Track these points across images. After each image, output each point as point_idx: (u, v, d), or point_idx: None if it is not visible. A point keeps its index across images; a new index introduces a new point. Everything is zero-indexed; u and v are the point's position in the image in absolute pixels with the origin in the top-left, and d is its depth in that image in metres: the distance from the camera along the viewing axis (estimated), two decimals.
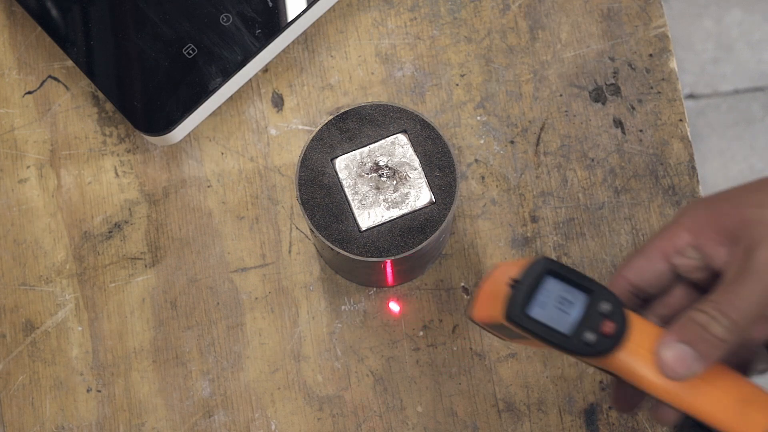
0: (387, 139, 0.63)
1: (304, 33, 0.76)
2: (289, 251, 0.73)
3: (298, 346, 0.72)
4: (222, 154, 0.74)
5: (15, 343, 0.72)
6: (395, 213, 0.62)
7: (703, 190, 0.75)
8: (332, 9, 0.77)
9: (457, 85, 0.76)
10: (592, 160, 0.75)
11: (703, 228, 0.48)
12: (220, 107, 0.75)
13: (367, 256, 0.61)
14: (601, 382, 0.71)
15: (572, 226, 0.73)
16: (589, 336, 0.48)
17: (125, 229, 0.73)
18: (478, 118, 0.75)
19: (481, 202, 0.74)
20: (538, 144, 0.75)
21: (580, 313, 0.48)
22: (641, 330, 0.49)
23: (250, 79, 0.75)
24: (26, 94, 0.76)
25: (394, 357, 0.72)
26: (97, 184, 0.74)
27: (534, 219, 0.73)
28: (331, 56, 0.76)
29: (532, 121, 0.75)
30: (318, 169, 0.62)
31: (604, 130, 0.75)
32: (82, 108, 0.75)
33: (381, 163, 0.62)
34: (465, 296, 0.72)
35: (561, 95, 0.76)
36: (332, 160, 0.63)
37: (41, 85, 0.76)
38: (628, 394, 0.52)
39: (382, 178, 0.62)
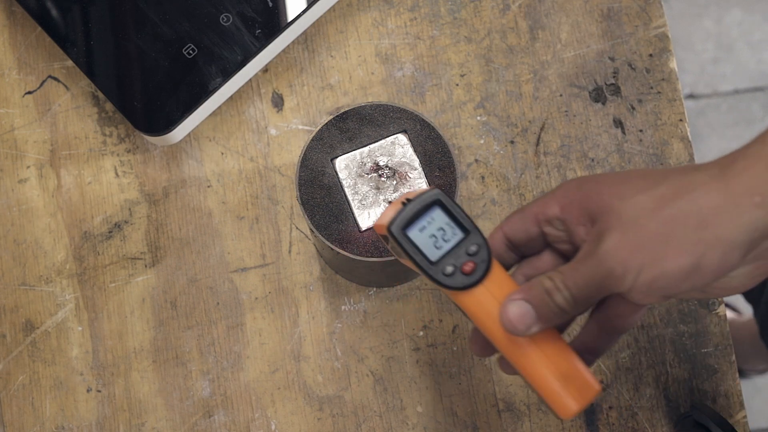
0: (387, 139, 0.63)
1: (304, 33, 0.76)
2: (289, 251, 0.73)
3: (298, 346, 0.72)
4: (222, 154, 0.74)
5: (15, 343, 0.72)
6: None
7: None
8: (332, 9, 0.77)
9: (457, 85, 0.76)
10: (592, 160, 0.75)
11: (572, 204, 0.51)
12: (220, 107, 0.75)
13: (367, 256, 0.61)
14: (601, 382, 0.71)
15: None
16: (450, 269, 0.52)
17: (125, 229, 0.73)
18: (478, 118, 0.75)
19: (481, 202, 0.74)
20: (538, 144, 0.75)
21: (450, 246, 0.52)
22: (498, 281, 0.52)
23: (250, 79, 0.75)
24: (26, 94, 0.76)
25: (394, 357, 0.72)
26: (97, 184, 0.74)
27: None
28: (331, 56, 0.76)
29: (532, 121, 0.75)
30: (318, 169, 0.62)
31: (604, 130, 0.75)
32: (82, 108, 0.75)
33: (381, 163, 0.62)
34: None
35: (561, 95, 0.76)
36: (332, 160, 0.63)
37: (41, 85, 0.76)
38: (483, 340, 0.55)
39: (382, 178, 0.62)
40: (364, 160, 0.63)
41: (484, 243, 0.53)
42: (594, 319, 0.54)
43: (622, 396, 0.71)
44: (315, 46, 0.76)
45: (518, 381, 0.71)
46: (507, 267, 0.55)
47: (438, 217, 0.53)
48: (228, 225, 0.73)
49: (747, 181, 0.46)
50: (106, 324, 0.72)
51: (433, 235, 0.53)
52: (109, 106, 0.75)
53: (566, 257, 0.54)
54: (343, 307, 0.72)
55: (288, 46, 0.75)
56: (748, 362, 1.55)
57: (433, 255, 0.53)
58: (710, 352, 0.72)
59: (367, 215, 0.62)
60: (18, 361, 0.72)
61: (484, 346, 0.55)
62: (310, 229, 0.63)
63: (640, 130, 0.75)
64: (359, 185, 0.62)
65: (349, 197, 0.62)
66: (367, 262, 0.62)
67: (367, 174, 0.62)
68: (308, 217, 0.62)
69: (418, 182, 0.62)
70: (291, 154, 0.74)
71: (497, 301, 0.52)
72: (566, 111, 0.75)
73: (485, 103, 0.76)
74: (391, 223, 0.53)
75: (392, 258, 0.61)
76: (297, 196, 0.62)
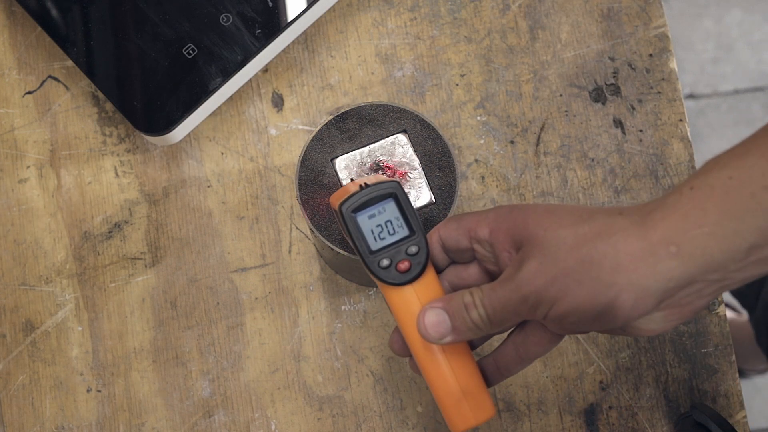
0: (387, 139, 0.63)
1: (304, 33, 0.76)
2: (289, 251, 0.73)
3: (298, 346, 0.72)
4: (222, 154, 0.74)
5: (15, 343, 0.72)
6: None
7: None
8: (332, 9, 0.77)
9: (457, 85, 0.76)
10: (592, 160, 0.75)
11: (500, 230, 0.53)
12: (220, 107, 0.75)
13: None
14: (601, 382, 0.71)
15: None
16: (386, 262, 0.54)
17: (125, 229, 0.73)
18: (478, 118, 0.75)
19: (481, 202, 0.74)
20: (538, 144, 0.75)
21: (393, 240, 0.54)
22: (427, 285, 0.54)
23: (250, 79, 0.75)
24: (26, 94, 0.76)
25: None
26: (97, 184, 0.74)
27: None
28: (331, 56, 0.76)
29: (532, 121, 0.75)
30: (318, 169, 0.62)
31: (604, 130, 0.75)
32: (82, 108, 0.75)
33: (381, 163, 0.62)
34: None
35: (561, 95, 0.76)
36: (332, 160, 0.63)
37: (41, 85, 0.76)
38: (402, 339, 0.57)
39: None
40: (364, 160, 0.63)
41: (425, 247, 0.54)
42: (511, 341, 0.55)
43: (622, 396, 0.71)
44: (315, 46, 0.76)
45: (518, 381, 0.71)
46: (439, 267, 0.57)
47: (390, 209, 0.55)
48: (228, 225, 0.73)
49: (664, 230, 0.47)
50: (106, 324, 0.72)
51: (380, 225, 0.54)
52: (109, 106, 0.75)
53: (491, 275, 0.55)
54: (343, 307, 0.72)
55: (288, 46, 0.75)
56: (747, 362, 1.55)
57: (374, 244, 0.54)
58: (710, 352, 0.72)
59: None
60: (18, 361, 0.72)
61: (403, 345, 0.57)
62: (310, 229, 0.63)
63: (640, 130, 0.75)
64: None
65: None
66: None
67: (367, 174, 0.62)
68: (308, 217, 0.62)
69: (418, 182, 0.62)
70: (291, 154, 0.74)
71: (421, 304, 0.54)
72: (566, 111, 0.75)
73: (485, 103, 0.76)
74: (343, 202, 0.54)
75: None
76: (297, 196, 0.62)
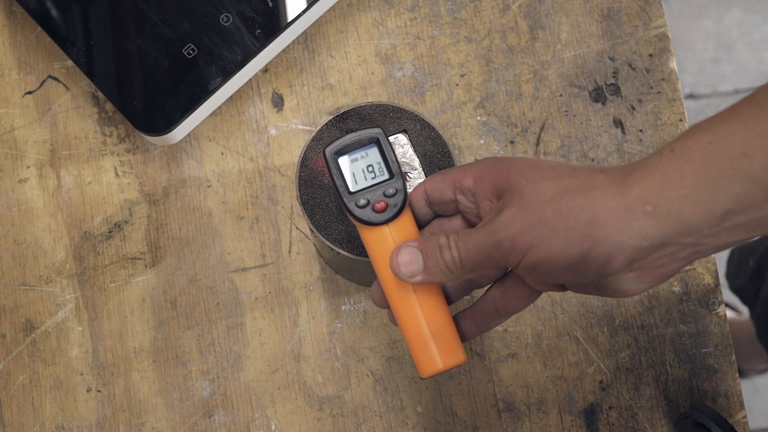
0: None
1: (304, 33, 0.76)
2: (289, 251, 0.73)
3: (298, 346, 0.72)
4: (222, 154, 0.74)
5: (15, 343, 0.72)
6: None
7: None
8: (332, 9, 0.77)
9: (457, 85, 0.76)
10: (592, 160, 0.75)
11: (484, 179, 0.53)
12: (220, 107, 0.75)
13: (366, 256, 0.61)
14: (601, 382, 0.71)
15: None
16: (363, 201, 0.56)
17: (125, 229, 0.73)
18: (478, 118, 0.75)
19: None
20: (538, 144, 0.75)
21: (372, 183, 0.56)
22: (403, 227, 0.56)
23: (250, 79, 0.75)
24: (26, 94, 0.76)
25: (394, 357, 0.72)
26: (97, 184, 0.74)
27: None
28: (331, 56, 0.76)
29: (532, 121, 0.75)
30: (318, 169, 0.62)
31: (604, 130, 0.75)
32: (82, 108, 0.75)
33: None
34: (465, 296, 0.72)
35: (561, 95, 0.76)
36: (324, 148, 0.62)
37: (41, 85, 0.76)
38: (382, 290, 0.57)
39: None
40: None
41: (403, 189, 0.56)
42: (490, 294, 0.56)
43: (622, 396, 0.71)
44: (315, 46, 0.76)
45: (518, 381, 0.71)
46: (422, 221, 0.58)
47: (372, 154, 0.56)
48: (228, 225, 0.73)
49: (641, 190, 0.47)
50: (106, 324, 0.72)
51: (362, 169, 0.56)
52: (109, 106, 0.75)
53: (473, 227, 0.56)
54: (343, 307, 0.72)
55: (288, 46, 0.75)
56: (747, 362, 1.55)
57: (354, 186, 0.56)
58: (710, 352, 0.72)
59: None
60: (18, 361, 0.72)
61: (383, 296, 0.57)
62: (310, 229, 0.63)
63: (640, 130, 0.75)
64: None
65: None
66: (367, 262, 0.62)
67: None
68: (308, 217, 0.62)
69: (418, 182, 0.62)
70: (291, 154, 0.74)
71: (395, 244, 0.55)
72: (566, 111, 0.75)
73: (485, 103, 0.76)
74: (326, 146, 0.56)
75: None
76: (297, 196, 0.62)
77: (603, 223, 0.48)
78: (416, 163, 0.62)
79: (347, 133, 0.57)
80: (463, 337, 0.57)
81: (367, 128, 0.57)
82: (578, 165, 0.51)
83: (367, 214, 0.55)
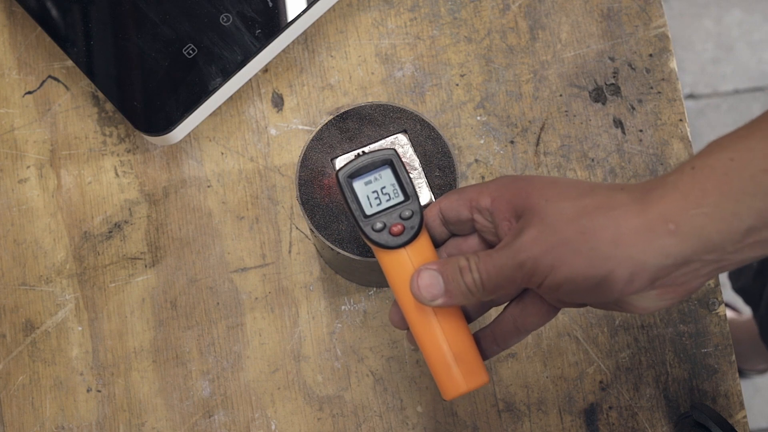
0: (387, 139, 0.63)
1: (304, 33, 0.76)
2: (289, 251, 0.73)
3: (298, 346, 0.72)
4: (222, 154, 0.74)
5: (15, 343, 0.72)
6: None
7: None
8: (332, 9, 0.77)
9: (457, 85, 0.76)
10: (592, 160, 0.75)
11: (501, 199, 0.53)
12: (220, 107, 0.75)
13: (366, 256, 0.61)
14: (601, 382, 0.71)
15: None
16: (379, 225, 0.55)
17: (125, 229, 0.73)
18: (478, 118, 0.75)
19: None
20: (538, 144, 0.75)
21: (388, 206, 0.55)
22: (421, 250, 0.55)
23: (250, 79, 0.75)
24: (26, 94, 0.76)
25: (394, 357, 0.72)
26: (97, 184, 0.74)
27: None
28: (331, 56, 0.76)
29: (532, 121, 0.75)
30: (318, 169, 0.62)
31: (604, 130, 0.75)
32: (82, 108, 0.75)
33: None
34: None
35: (561, 95, 0.76)
36: (332, 160, 0.62)
37: (41, 85, 0.76)
38: (401, 313, 0.57)
39: None
40: None
41: (419, 212, 0.55)
42: (509, 312, 0.56)
43: (622, 396, 0.71)
44: (315, 46, 0.76)
45: (518, 381, 0.71)
46: (438, 241, 0.57)
47: (386, 176, 0.56)
48: (228, 225, 0.73)
49: (663, 208, 0.47)
50: (106, 324, 0.72)
51: (376, 191, 0.56)
52: (109, 106, 0.75)
53: (490, 246, 0.56)
54: (343, 307, 0.72)
55: (288, 46, 0.75)
56: (748, 362, 1.55)
57: (369, 209, 0.55)
58: (710, 352, 0.72)
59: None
60: (18, 361, 0.72)
61: (401, 318, 0.57)
62: (310, 229, 0.63)
63: (640, 130, 0.75)
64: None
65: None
66: (367, 262, 0.62)
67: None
68: (308, 217, 0.62)
69: (418, 182, 0.62)
70: (291, 154, 0.74)
71: (414, 267, 0.55)
72: (566, 111, 0.75)
73: (485, 103, 0.76)
74: (339, 170, 0.55)
75: None
76: (297, 196, 0.62)
77: (625, 243, 0.48)
78: (416, 163, 0.62)
79: (358, 154, 0.56)
80: (484, 356, 0.56)
81: (378, 151, 0.56)
82: (597, 183, 0.51)
83: (384, 237, 0.55)
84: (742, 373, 1.57)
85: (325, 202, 0.62)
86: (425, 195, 0.62)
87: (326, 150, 0.63)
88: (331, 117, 0.63)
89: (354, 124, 0.63)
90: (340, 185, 0.55)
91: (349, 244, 0.61)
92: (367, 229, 0.55)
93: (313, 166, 0.62)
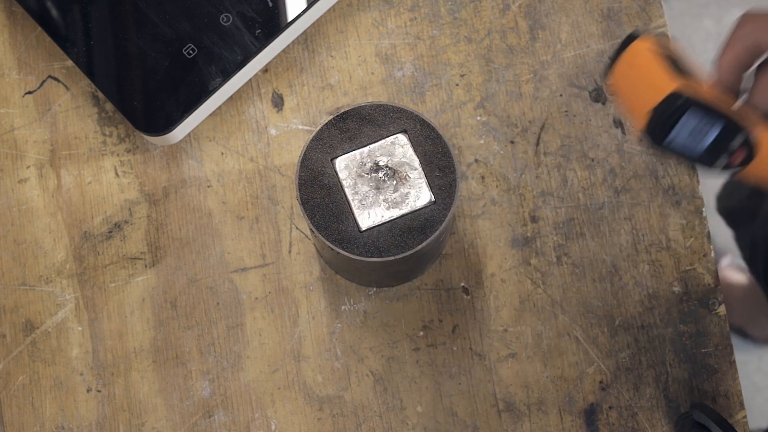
0: (387, 139, 0.63)
1: (304, 33, 0.76)
2: (289, 251, 0.73)
3: (298, 346, 0.72)
4: (222, 154, 0.74)
5: (15, 343, 0.72)
6: (395, 213, 0.62)
7: (703, 190, 0.75)
8: (332, 9, 0.77)
9: (457, 85, 0.76)
10: (592, 160, 0.75)
11: None
12: (220, 107, 0.75)
13: (367, 256, 0.61)
14: (601, 382, 0.71)
15: (572, 226, 0.73)
16: (721, 161, 0.54)
17: (125, 229, 0.73)
18: (478, 118, 0.75)
19: (481, 202, 0.74)
20: (538, 144, 0.75)
21: (711, 142, 0.54)
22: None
23: (250, 79, 0.75)
24: (26, 94, 0.76)
25: (394, 357, 0.72)
26: (97, 184, 0.74)
27: (534, 219, 0.73)
28: (331, 56, 0.76)
29: (532, 121, 0.75)
30: (318, 169, 0.62)
31: (604, 130, 0.75)
32: (82, 108, 0.75)
33: (381, 163, 0.62)
34: (465, 296, 0.72)
35: (561, 95, 0.76)
36: (332, 160, 0.63)
37: (41, 85, 0.76)
38: None
39: (383, 178, 0.62)
40: (364, 160, 0.63)
41: (746, 131, 0.53)
42: None
43: (622, 396, 0.71)
44: (315, 46, 0.76)
45: (518, 381, 0.71)
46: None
47: (690, 118, 0.54)
48: (228, 225, 0.73)
49: None
50: (106, 324, 0.72)
51: (691, 136, 0.54)
52: (109, 106, 0.75)
53: None
54: (343, 307, 0.72)
55: (288, 46, 0.75)
56: (755, 326, 1.52)
57: (699, 155, 0.54)
58: (710, 352, 0.72)
59: (367, 215, 0.62)
60: (18, 361, 0.72)
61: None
62: (310, 229, 0.63)
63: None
64: (359, 185, 0.62)
65: (349, 197, 0.62)
66: (367, 263, 0.62)
67: (367, 174, 0.62)
68: (308, 217, 0.62)
69: (418, 182, 0.62)
70: (291, 154, 0.74)
71: None
72: (566, 111, 0.75)
73: (485, 103, 0.76)
74: (648, 140, 0.55)
75: (392, 258, 0.61)
76: (297, 196, 0.62)
77: None
78: (416, 163, 0.62)
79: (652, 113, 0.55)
80: None
81: (667, 99, 0.54)
82: None
83: (730, 168, 0.55)
84: (748, 337, 1.54)
85: (325, 202, 0.62)
86: (425, 195, 0.62)
87: (326, 150, 0.63)
88: (331, 117, 0.63)
89: (354, 124, 0.63)
90: (658, 150, 0.55)
91: (349, 244, 0.61)
92: (712, 167, 0.55)
93: (313, 166, 0.62)
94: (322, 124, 0.63)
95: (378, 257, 0.61)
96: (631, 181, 0.74)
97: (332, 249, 0.62)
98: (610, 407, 0.71)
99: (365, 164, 0.63)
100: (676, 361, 0.72)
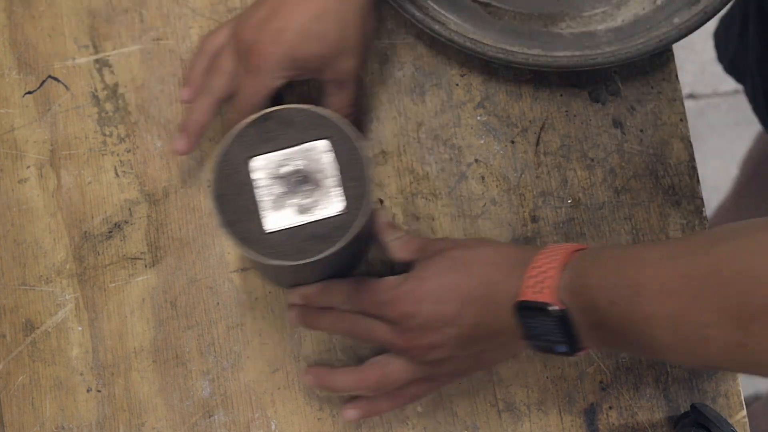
0: (306, 144, 0.62)
1: None
2: None
3: (298, 346, 0.72)
4: None
5: (15, 343, 0.72)
6: (305, 218, 0.61)
7: (704, 190, 0.75)
8: None
9: (457, 85, 0.76)
10: (592, 160, 0.75)
11: None
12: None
13: (269, 258, 0.61)
14: (601, 382, 0.71)
15: (572, 226, 0.73)
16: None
17: (125, 229, 0.73)
18: (478, 118, 0.75)
19: (481, 202, 0.74)
20: (538, 144, 0.75)
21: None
22: None
23: None
24: (26, 94, 0.76)
25: None
26: (97, 184, 0.74)
27: (534, 219, 0.73)
28: None
29: (532, 121, 0.75)
30: (235, 167, 0.62)
31: (604, 130, 0.75)
32: (82, 108, 0.75)
33: (297, 168, 0.62)
34: None
35: (561, 95, 0.76)
36: (250, 159, 0.62)
37: (41, 85, 0.76)
38: None
39: (297, 183, 0.62)
40: (282, 162, 0.62)
41: None
42: None
43: (622, 396, 0.71)
44: None
45: (518, 381, 0.71)
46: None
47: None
48: None
49: None
50: (106, 324, 0.72)
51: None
52: (109, 105, 0.75)
53: None
54: None
55: None
56: None
57: None
58: None
59: (277, 217, 0.61)
60: (18, 361, 0.72)
61: None
62: (220, 226, 0.62)
63: (641, 130, 0.75)
64: (273, 187, 0.61)
65: (262, 198, 0.61)
66: (269, 265, 0.61)
67: (282, 177, 0.62)
68: (219, 213, 0.61)
69: (331, 191, 0.61)
70: None
71: None
72: (566, 111, 0.75)
73: (485, 103, 0.76)
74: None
75: (293, 263, 0.61)
76: (211, 194, 0.61)
77: None
78: (332, 171, 0.61)
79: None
80: None
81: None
82: None
83: None
84: None
85: (237, 200, 0.61)
86: (337, 203, 0.61)
87: (245, 149, 0.62)
88: (255, 116, 0.62)
89: (276, 125, 0.62)
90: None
91: (255, 244, 0.60)
92: None
93: (231, 163, 0.61)
94: (245, 123, 0.62)
95: (279, 260, 0.61)
96: (631, 181, 0.74)
97: (236, 246, 0.61)
98: (610, 407, 0.71)
99: (281, 167, 0.62)
100: None
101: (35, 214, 0.74)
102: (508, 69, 0.76)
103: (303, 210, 0.61)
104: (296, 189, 0.62)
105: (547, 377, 0.71)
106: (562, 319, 0.58)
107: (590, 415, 0.71)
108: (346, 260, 0.67)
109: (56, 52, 0.76)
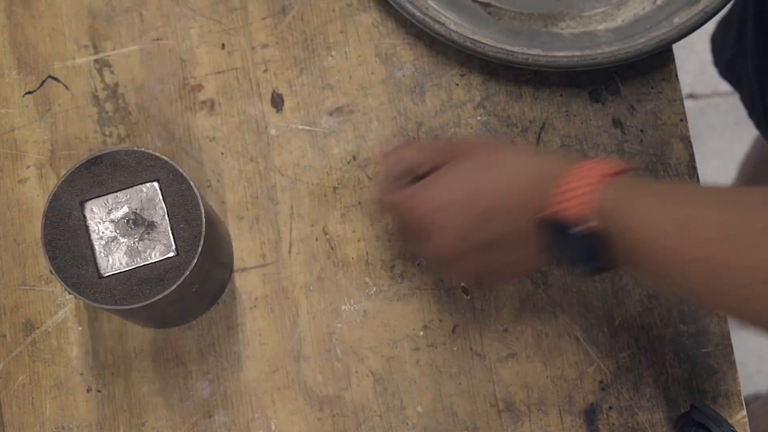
0: (138, 186, 0.62)
1: (304, 33, 0.76)
2: (289, 251, 0.73)
3: (298, 346, 0.72)
4: (222, 154, 0.74)
5: (15, 343, 0.72)
6: (137, 262, 0.61)
7: None
8: (332, 9, 0.77)
9: (457, 85, 0.76)
10: None
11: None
12: (219, 107, 0.75)
13: (102, 303, 0.61)
14: (601, 382, 0.71)
15: None
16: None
17: None
18: (478, 118, 0.75)
19: None
20: (538, 144, 0.75)
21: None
22: None
23: (250, 79, 0.75)
24: (26, 94, 0.76)
25: (394, 357, 0.72)
26: None
27: None
28: (331, 56, 0.76)
29: (532, 121, 0.75)
30: (66, 211, 0.61)
31: (604, 130, 0.75)
32: (82, 108, 0.75)
33: (129, 211, 0.62)
34: (465, 296, 0.72)
35: (561, 95, 0.76)
36: (81, 203, 0.62)
37: (41, 85, 0.76)
38: None
39: (129, 226, 0.61)
40: (113, 206, 0.62)
41: None
42: None
43: (622, 396, 0.71)
44: (315, 46, 0.76)
45: (518, 381, 0.71)
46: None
47: None
48: (228, 225, 0.73)
49: None
50: (106, 324, 0.72)
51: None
52: (109, 105, 0.75)
53: None
54: (343, 307, 0.72)
55: (288, 45, 0.75)
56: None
57: None
58: (710, 352, 0.72)
59: (109, 262, 0.61)
60: (18, 361, 0.72)
61: None
62: (50, 271, 0.62)
63: (641, 130, 0.75)
64: (105, 231, 0.61)
65: (94, 242, 0.61)
66: (107, 309, 0.62)
67: (114, 220, 0.62)
68: (49, 258, 0.61)
69: (162, 233, 0.61)
70: (291, 154, 0.74)
71: None
72: (566, 111, 0.75)
73: (485, 103, 0.76)
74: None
75: (126, 307, 0.61)
76: (41, 237, 0.61)
77: None
78: (163, 213, 0.61)
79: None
80: None
81: None
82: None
83: None
84: None
85: (69, 245, 0.61)
86: (168, 246, 0.61)
87: (76, 192, 0.62)
88: (84, 160, 0.62)
89: (107, 168, 0.62)
90: None
91: (86, 289, 0.61)
92: None
93: (61, 207, 0.61)
94: (74, 167, 0.62)
95: (112, 305, 0.61)
96: None
97: (69, 293, 0.61)
98: (610, 407, 0.71)
99: (113, 210, 0.62)
100: (676, 361, 0.72)
101: (35, 214, 0.74)
102: (508, 69, 0.76)
103: (135, 253, 0.61)
104: (128, 232, 0.61)
105: (547, 377, 0.71)
106: (595, 238, 0.56)
107: (590, 415, 0.71)
108: (190, 299, 0.67)
109: (56, 52, 0.76)
